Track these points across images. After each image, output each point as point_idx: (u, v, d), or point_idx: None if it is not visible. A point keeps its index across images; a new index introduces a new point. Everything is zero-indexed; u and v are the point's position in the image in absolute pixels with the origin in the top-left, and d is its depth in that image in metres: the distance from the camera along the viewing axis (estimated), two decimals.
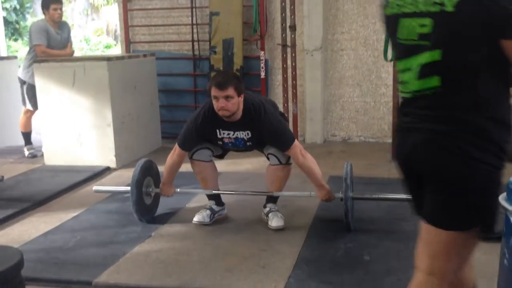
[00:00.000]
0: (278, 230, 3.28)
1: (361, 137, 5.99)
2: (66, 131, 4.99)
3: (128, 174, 4.67)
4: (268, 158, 3.38)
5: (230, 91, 3.07)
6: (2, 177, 4.21)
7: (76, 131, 4.96)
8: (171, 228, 3.42)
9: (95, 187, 3.77)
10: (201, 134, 3.31)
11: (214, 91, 3.10)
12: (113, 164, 4.93)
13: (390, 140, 5.31)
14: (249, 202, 3.80)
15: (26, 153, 5.55)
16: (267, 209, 3.42)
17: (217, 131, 3.29)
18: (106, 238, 3.27)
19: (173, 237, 3.28)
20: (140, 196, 3.39)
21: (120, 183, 4.42)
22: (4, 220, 3.59)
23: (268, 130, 3.22)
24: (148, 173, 3.52)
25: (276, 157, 3.31)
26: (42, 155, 5.23)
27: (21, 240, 3.26)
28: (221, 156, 3.60)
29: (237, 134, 3.28)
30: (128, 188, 3.40)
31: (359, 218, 3.41)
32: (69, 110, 4.94)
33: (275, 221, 3.31)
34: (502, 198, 1.58)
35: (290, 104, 5.49)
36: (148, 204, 3.51)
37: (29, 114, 5.55)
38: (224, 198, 3.58)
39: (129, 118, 5.18)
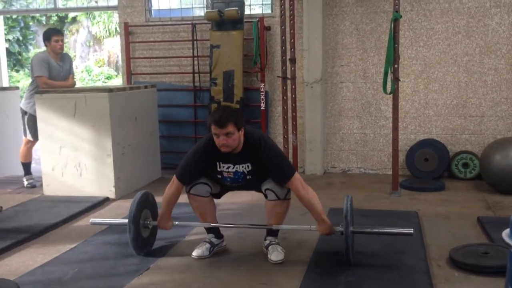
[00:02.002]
0: (278, 263, 3.24)
1: (361, 168, 5.99)
2: (65, 161, 4.99)
3: (127, 205, 4.63)
4: (265, 195, 3.35)
5: (230, 128, 3.08)
6: (1, 207, 4.19)
7: (76, 162, 4.96)
8: (170, 260, 3.38)
9: (91, 220, 3.73)
10: (200, 167, 3.30)
11: (214, 129, 3.11)
12: (112, 195, 4.92)
13: (390, 172, 5.31)
14: (248, 234, 3.77)
15: (25, 183, 5.54)
16: (267, 241, 3.39)
17: (217, 164, 3.28)
18: (104, 270, 3.23)
19: (172, 269, 3.24)
20: (138, 231, 3.35)
21: (119, 214, 4.41)
22: (2, 251, 3.56)
23: (268, 161, 3.21)
24: (145, 205, 3.47)
25: (274, 193, 3.28)
26: (41, 185, 5.21)
27: (19, 272, 3.22)
28: (218, 196, 3.53)
29: (237, 168, 3.26)
30: (125, 220, 3.36)
31: (360, 251, 3.38)
32: (69, 141, 4.95)
33: (274, 255, 3.28)
34: (505, 235, 1.57)
35: (290, 135, 5.51)
36: (145, 237, 3.47)
37: (30, 144, 5.57)
38: (223, 230, 3.56)
39: (129, 149, 5.19)
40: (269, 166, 3.23)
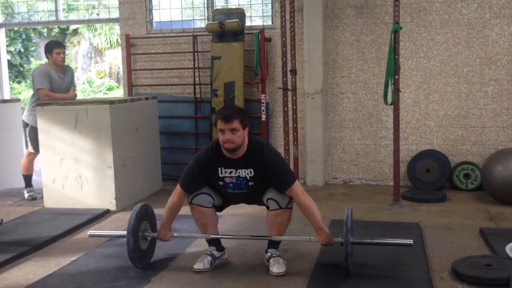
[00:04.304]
0: (280, 275, 3.22)
1: (362, 179, 5.98)
2: (66, 173, 4.98)
3: (128, 217, 4.65)
4: (267, 206, 3.34)
5: (236, 124, 3.11)
6: (1, 220, 4.18)
7: (77, 174, 4.95)
8: (171, 273, 3.36)
9: (89, 232, 3.71)
10: (203, 172, 3.28)
11: (220, 124, 3.13)
12: (113, 207, 4.91)
13: (391, 183, 5.30)
14: (250, 246, 3.76)
15: (26, 195, 5.53)
16: (269, 254, 3.38)
17: (219, 169, 3.26)
18: (105, 283, 3.21)
19: (173, 282, 3.22)
20: (136, 243, 3.31)
21: (120, 226, 4.39)
22: (2, 265, 3.54)
23: (271, 167, 3.21)
24: (144, 217, 3.44)
25: (276, 202, 3.28)
26: (42, 197, 5.20)
27: (19, 285, 3.21)
28: (220, 208, 3.52)
29: (239, 173, 3.25)
30: (124, 232, 3.32)
31: (361, 263, 3.36)
32: (70, 153, 4.95)
33: (276, 267, 3.26)
34: (509, 249, 1.56)
35: (291, 146, 5.51)
36: (144, 249, 3.43)
37: (32, 156, 5.56)
38: (224, 243, 3.54)
39: (130, 161, 5.18)
40: (271, 172, 3.22)
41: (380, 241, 3.41)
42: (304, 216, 3.31)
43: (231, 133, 3.11)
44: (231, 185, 3.30)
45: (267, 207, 3.35)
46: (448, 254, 3.52)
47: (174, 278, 3.28)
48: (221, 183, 3.31)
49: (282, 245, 3.51)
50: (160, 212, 4.84)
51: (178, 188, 3.36)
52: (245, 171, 3.24)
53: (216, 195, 3.39)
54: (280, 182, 3.25)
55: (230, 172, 3.26)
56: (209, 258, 3.39)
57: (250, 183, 3.28)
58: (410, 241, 3.21)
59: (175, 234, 3.47)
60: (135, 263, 3.35)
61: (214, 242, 3.45)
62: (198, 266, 3.36)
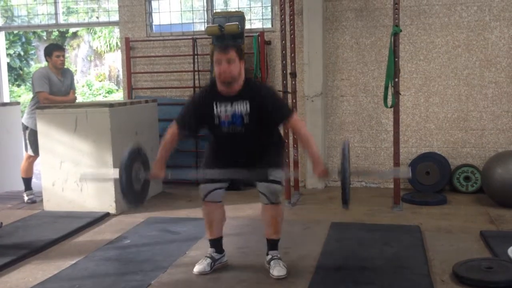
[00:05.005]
0: (280, 278, 3.21)
1: (362, 182, 5.97)
2: (66, 176, 4.97)
3: (128, 220, 4.68)
4: (260, 198, 3.34)
5: (232, 54, 3.11)
6: (1, 223, 4.17)
7: (77, 177, 4.94)
8: (171, 276, 3.35)
9: (81, 174, 3.70)
10: (198, 108, 3.24)
11: (216, 55, 3.14)
12: (113, 210, 4.90)
13: (391, 186, 5.30)
14: (251, 249, 3.76)
15: (26, 198, 5.52)
16: (269, 256, 3.37)
17: (214, 105, 3.19)
18: (105, 287, 3.20)
19: (174, 285, 3.21)
20: (129, 180, 3.15)
21: (120, 229, 4.39)
22: (2, 268, 3.53)
23: (268, 99, 3.20)
24: (137, 157, 3.29)
25: (265, 196, 3.26)
26: (42, 200, 5.19)
27: None
28: (229, 187, 3.44)
29: (235, 107, 3.16)
30: (116, 171, 3.18)
31: (362, 266, 3.36)
32: (70, 156, 4.94)
33: (276, 270, 3.26)
34: (511, 252, 1.56)
35: (291, 149, 5.50)
36: (137, 190, 3.27)
37: (31, 159, 5.56)
38: (225, 245, 3.54)
39: None
40: (270, 104, 3.18)
41: (377, 171, 3.37)
42: (302, 146, 3.32)
43: (228, 64, 3.09)
44: (226, 123, 3.21)
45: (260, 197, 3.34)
46: (448, 257, 3.51)
47: (175, 281, 3.27)
48: (216, 122, 3.22)
49: (283, 248, 3.50)
50: (159, 215, 4.86)
51: (173, 124, 3.33)
52: (241, 105, 3.16)
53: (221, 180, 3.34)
54: (280, 114, 3.21)
55: (226, 107, 3.18)
56: (209, 260, 3.39)
57: (245, 120, 3.18)
58: (409, 173, 3.27)
59: (170, 175, 3.39)
60: (129, 202, 3.27)
61: (214, 244, 3.45)
62: (198, 269, 3.35)
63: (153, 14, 6.55)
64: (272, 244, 3.40)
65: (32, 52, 17.06)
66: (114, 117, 4.91)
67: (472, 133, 5.63)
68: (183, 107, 3.36)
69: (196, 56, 6.21)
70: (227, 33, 5.77)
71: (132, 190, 3.21)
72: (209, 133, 3.39)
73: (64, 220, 4.66)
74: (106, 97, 17.76)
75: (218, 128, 3.25)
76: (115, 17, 6.87)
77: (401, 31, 4.82)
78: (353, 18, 5.81)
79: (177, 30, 6.50)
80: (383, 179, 3.23)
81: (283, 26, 5.30)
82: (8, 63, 9.32)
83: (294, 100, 5.49)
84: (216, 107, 3.20)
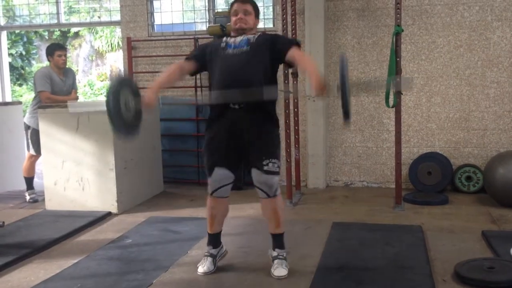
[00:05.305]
0: (282, 279, 3.21)
1: (364, 182, 5.97)
2: (68, 175, 4.98)
3: (130, 219, 4.68)
4: (257, 191, 3.31)
5: (249, 7, 3.32)
6: (3, 222, 4.17)
7: (78, 176, 4.95)
8: (173, 275, 3.36)
9: (70, 108, 3.73)
10: (209, 45, 3.41)
11: (235, 6, 3.32)
12: (114, 209, 4.90)
13: (393, 186, 5.30)
14: (252, 248, 3.76)
15: (27, 198, 5.53)
16: (275, 254, 3.34)
17: (224, 40, 3.33)
18: (107, 286, 3.20)
19: (175, 285, 3.21)
20: (118, 107, 2.95)
21: (121, 229, 4.40)
22: (4, 267, 3.54)
23: (275, 36, 3.43)
24: (126, 85, 3.10)
25: (263, 191, 3.25)
26: (43, 200, 5.20)
27: None
28: (238, 180, 3.45)
29: (244, 38, 3.28)
30: (104, 101, 2.99)
31: (364, 266, 3.36)
32: (72, 155, 4.95)
33: (278, 271, 3.25)
34: None
35: (293, 149, 5.50)
36: (128, 120, 3.07)
37: (33, 159, 5.56)
38: (226, 245, 3.54)
39: (132, 163, 5.18)
40: (273, 38, 3.34)
41: (377, 82, 3.39)
42: (303, 71, 3.48)
43: (244, 14, 3.29)
44: (232, 45, 3.27)
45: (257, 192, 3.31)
46: (450, 256, 3.51)
47: (177, 281, 3.27)
48: (223, 45, 3.29)
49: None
50: (160, 214, 4.86)
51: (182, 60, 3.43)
52: (248, 37, 3.28)
53: (230, 163, 3.28)
54: (282, 44, 3.25)
55: (235, 38, 3.31)
56: (210, 259, 3.39)
57: (251, 41, 3.25)
58: (409, 83, 3.26)
59: (161, 104, 3.32)
60: (118, 131, 3.08)
61: (211, 241, 3.44)
62: (202, 269, 3.35)
63: (154, 13, 6.55)
64: (278, 240, 3.36)
65: (34, 51, 17.09)
66: None
67: (474, 133, 5.63)
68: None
69: None
70: (229, 33, 5.76)
71: (121, 117, 2.99)
72: (213, 69, 3.28)
73: (66, 219, 4.66)
74: None
75: (224, 51, 3.26)
76: (116, 17, 6.87)
77: (402, 31, 4.82)
78: (354, 18, 5.81)
79: (178, 30, 6.50)
80: (382, 90, 3.20)
81: (284, 26, 5.30)
82: (10, 63, 9.34)
83: (295, 100, 5.49)
84: (226, 39, 3.35)
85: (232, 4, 3.37)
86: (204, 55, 3.33)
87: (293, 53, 3.17)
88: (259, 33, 3.33)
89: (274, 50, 3.22)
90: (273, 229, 3.37)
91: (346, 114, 2.87)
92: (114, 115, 2.95)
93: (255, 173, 3.24)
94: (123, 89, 3.03)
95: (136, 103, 3.09)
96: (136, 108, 3.10)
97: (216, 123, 3.29)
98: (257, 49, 3.22)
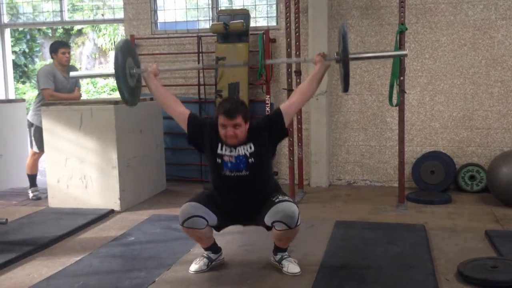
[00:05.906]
0: (284, 277, 3.21)
1: (367, 181, 5.96)
2: (71, 173, 4.99)
3: (132, 217, 4.69)
4: (272, 227, 3.14)
5: (239, 120, 3.03)
6: (6, 219, 4.17)
7: (81, 174, 4.96)
8: (175, 273, 3.36)
9: (71, 73, 3.86)
10: (205, 129, 3.21)
11: (222, 119, 3.03)
12: (117, 207, 4.91)
13: (396, 184, 5.29)
14: (254, 247, 3.76)
15: (31, 195, 5.54)
16: (279, 256, 3.33)
17: (219, 144, 3.14)
18: (109, 283, 3.21)
19: (177, 283, 3.21)
20: (125, 80, 3.29)
21: (124, 226, 4.40)
22: (7, 264, 3.55)
23: (263, 123, 3.25)
24: (128, 53, 3.36)
25: (284, 223, 3.05)
26: (46, 197, 5.20)
27: (23, 285, 3.21)
28: (217, 228, 3.32)
29: (239, 151, 3.11)
30: (112, 72, 3.27)
31: (366, 265, 3.35)
32: (75, 153, 4.95)
33: (291, 267, 3.25)
34: None
35: (295, 147, 5.50)
36: (133, 87, 3.41)
37: (36, 156, 5.57)
38: (228, 244, 3.54)
39: (135, 161, 5.18)
40: (264, 125, 3.22)
41: (376, 54, 3.93)
42: (310, 81, 3.40)
43: (234, 129, 3.03)
44: (229, 164, 3.11)
45: (270, 228, 3.17)
46: (453, 256, 3.50)
47: (179, 279, 3.27)
48: (219, 160, 3.13)
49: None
50: (163, 212, 4.86)
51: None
52: (244, 147, 3.12)
53: (210, 216, 3.18)
54: (275, 121, 3.21)
55: (230, 151, 3.12)
56: (205, 260, 3.38)
57: (250, 160, 3.10)
58: (405, 52, 3.49)
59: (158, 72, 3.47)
60: (125, 98, 3.32)
61: (210, 248, 3.41)
62: (194, 268, 3.35)
63: (158, 11, 6.55)
64: (280, 248, 3.34)
65: (37, 49, 17.10)
66: (119, 115, 4.92)
67: (478, 132, 5.61)
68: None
69: (201, 54, 6.20)
70: (232, 31, 5.76)
71: (128, 87, 3.32)
72: (210, 166, 3.26)
73: (69, 216, 4.67)
74: (110, 94, 17.78)
75: (220, 167, 3.15)
76: (120, 15, 6.87)
77: (406, 29, 4.80)
78: (358, 16, 5.80)
79: (182, 28, 6.50)
80: (381, 59, 3.43)
81: (288, 24, 5.29)
82: (13, 60, 9.34)
83: None
84: (220, 147, 3.14)
85: (218, 115, 3.06)
86: (198, 137, 3.25)
87: (288, 104, 3.29)
88: (249, 135, 3.13)
89: (274, 131, 3.20)
90: (280, 245, 3.32)
91: (346, 87, 2.99)
92: (123, 88, 3.24)
93: (269, 216, 3.09)
94: (127, 60, 3.28)
95: (138, 73, 3.39)
96: (138, 78, 3.41)
97: (220, 198, 3.27)
98: (257, 170, 3.13)
